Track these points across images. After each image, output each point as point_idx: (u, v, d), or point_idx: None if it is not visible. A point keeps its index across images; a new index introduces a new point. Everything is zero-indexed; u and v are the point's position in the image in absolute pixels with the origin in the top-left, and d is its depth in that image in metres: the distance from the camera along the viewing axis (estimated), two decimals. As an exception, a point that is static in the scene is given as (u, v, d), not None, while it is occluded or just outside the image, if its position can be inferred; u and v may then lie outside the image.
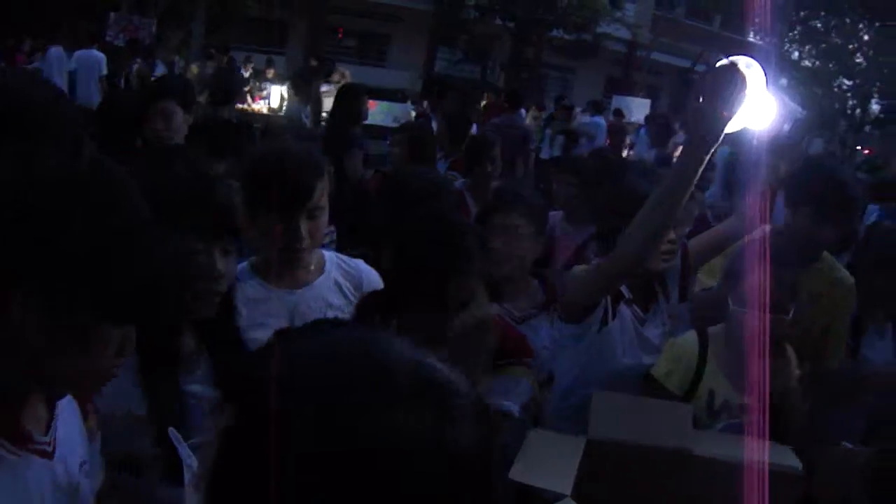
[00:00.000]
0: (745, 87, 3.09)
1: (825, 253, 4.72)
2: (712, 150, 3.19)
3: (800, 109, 3.72)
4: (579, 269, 3.96)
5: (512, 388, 3.29)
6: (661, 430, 3.09)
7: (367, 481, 1.10)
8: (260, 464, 1.13)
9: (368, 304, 3.36)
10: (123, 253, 1.65)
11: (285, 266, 3.37)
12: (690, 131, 3.30)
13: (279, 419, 1.14)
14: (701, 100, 3.16)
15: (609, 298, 3.85)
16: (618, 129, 21.43)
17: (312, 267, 3.46)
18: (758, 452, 3.09)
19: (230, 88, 10.75)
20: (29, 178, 1.67)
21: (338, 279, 3.53)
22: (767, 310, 3.56)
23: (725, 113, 3.09)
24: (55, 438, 1.85)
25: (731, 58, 3.17)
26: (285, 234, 3.21)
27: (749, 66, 3.12)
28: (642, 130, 20.95)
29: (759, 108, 3.19)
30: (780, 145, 3.86)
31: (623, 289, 3.95)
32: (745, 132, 3.30)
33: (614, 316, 3.89)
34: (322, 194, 3.30)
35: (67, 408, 1.94)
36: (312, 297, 3.41)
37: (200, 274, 2.67)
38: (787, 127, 3.62)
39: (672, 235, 3.85)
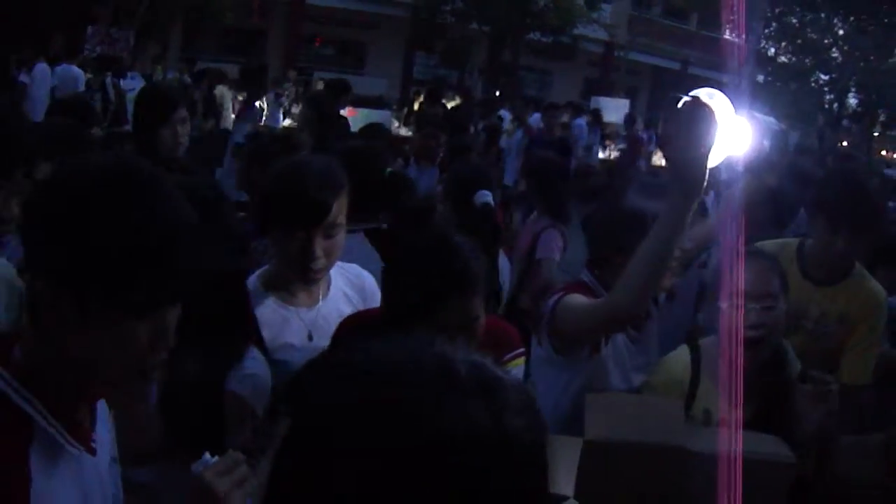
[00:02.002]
0: (714, 117, 3.03)
1: (857, 266, 4.50)
2: (701, 194, 3.12)
3: (774, 122, 3.70)
4: (576, 300, 3.76)
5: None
6: (656, 427, 3.11)
7: (436, 472, 1.12)
8: (323, 466, 1.15)
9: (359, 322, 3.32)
10: (143, 248, 1.68)
11: (301, 284, 3.38)
12: (675, 178, 3.17)
13: (345, 418, 1.16)
14: (675, 145, 3.08)
15: None
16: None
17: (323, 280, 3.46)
18: (750, 444, 3.13)
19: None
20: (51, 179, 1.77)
21: (345, 290, 3.55)
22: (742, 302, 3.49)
23: (702, 150, 3.01)
24: (96, 437, 1.90)
25: (692, 93, 3.09)
26: (302, 253, 3.21)
27: (712, 97, 3.07)
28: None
29: (734, 133, 3.17)
30: (765, 163, 3.86)
31: None
32: (726, 160, 3.25)
33: (607, 342, 3.86)
34: (340, 212, 3.26)
35: (99, 404, 1.98)
36: (328, 312, 3.42)
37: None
38: (766, 143, 3.62)
39: (677, 253, 3.78)
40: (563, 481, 2.81)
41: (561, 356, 3.81)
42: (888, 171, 22.98)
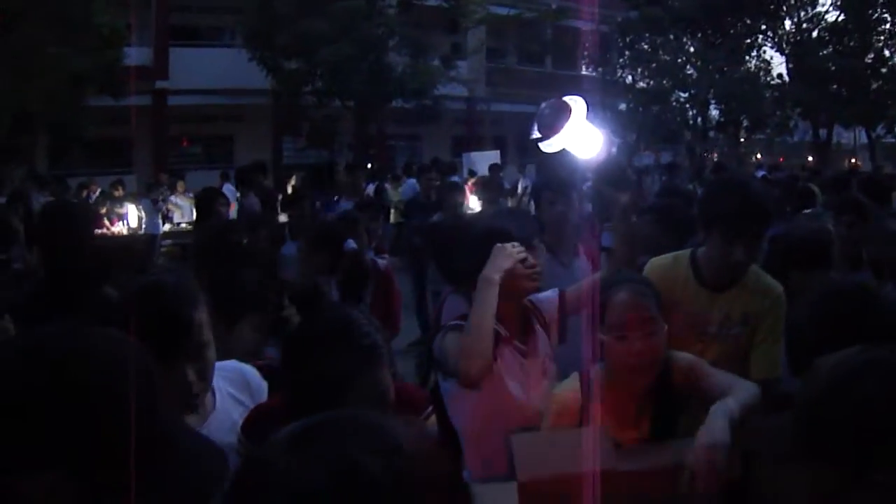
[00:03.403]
0: (567, 112, 3.28)
1: (751, 266, 4.48)
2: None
3: (615, 138, 3.87)
4: (447, 342, 4.10)
5: None
6: (584, 455, 3.13)
7: None
8: None
9: (262, 415, 3.22)
10: (166, 448, 1.70)
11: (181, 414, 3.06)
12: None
13: None
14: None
15: None
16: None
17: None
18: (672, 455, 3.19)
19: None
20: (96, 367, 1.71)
21: (230, 391, 3.39)
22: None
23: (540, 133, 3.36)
24: None
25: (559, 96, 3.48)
26: (175, 384, 2.94)
27: (573, 101, 3.35)
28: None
29: (583, 137, 3.40)
30: (611, 174, 3.98)
31: (499, 328, 4.09)
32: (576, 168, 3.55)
33: (496, 358, 4.01)
34: (202, 329, 3.05)
35: None
36: (219, 425, 3.22)
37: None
38: (613, 149, 3.74)
39: (531, 261, 4.11)
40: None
41: (457, 379, 4.02)
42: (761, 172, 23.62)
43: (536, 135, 3.50)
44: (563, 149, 3.59)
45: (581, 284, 4.59)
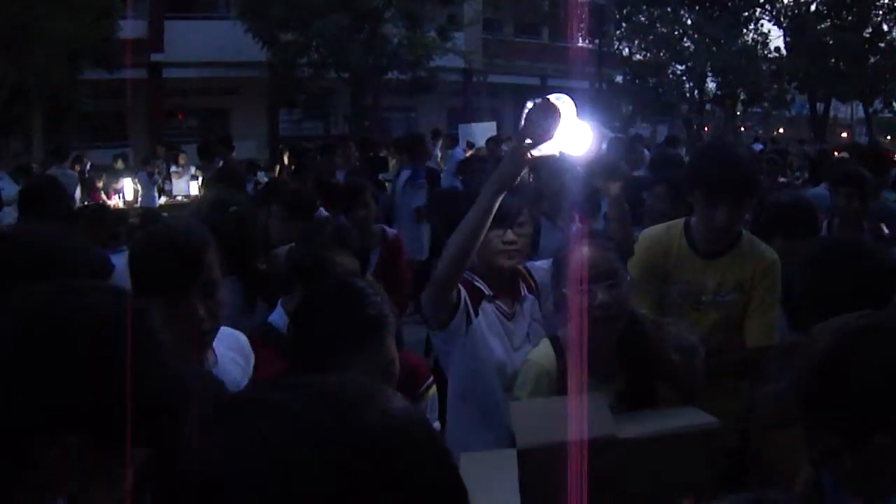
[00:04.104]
0: (557, 114, 3.31)
1: (744, 233, 4.56)
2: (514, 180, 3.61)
3: (608, 132, 3.86)
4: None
5: (433, 408, 3.58)
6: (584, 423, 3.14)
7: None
8: None
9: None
10: (163, 387, 1.71)
11: (192, 352, 3.16)
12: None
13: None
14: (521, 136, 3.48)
15: (468, 299, 4.09)
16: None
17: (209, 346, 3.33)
18: (669, 420, 3.22)
19: None
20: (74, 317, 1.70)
21: (229, 354, 3.45)
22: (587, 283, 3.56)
23: (530, 140, 3.41)
24: None
25: (545, 97, 3.43)
26: (188, 318, 3.01)
27: (560, 100, 3.39)
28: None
29: (574, 135, 3.43)
30: (601, 166, 3.98)
31: (483, 287, 4.22)
32: (565, 158, 3.59)
33: (476, 314, 4.13)
34: (212, 268, 3.13)
35: None
36: (221, 377, 3.21)
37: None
38: (603, 147, 3.75)
39: (511, 237, 4.19)
40: (508, 496, 2.82)
41: (443, 330, 4.11)
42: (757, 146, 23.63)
43: (527, 141, 3.49)
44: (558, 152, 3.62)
45: None
